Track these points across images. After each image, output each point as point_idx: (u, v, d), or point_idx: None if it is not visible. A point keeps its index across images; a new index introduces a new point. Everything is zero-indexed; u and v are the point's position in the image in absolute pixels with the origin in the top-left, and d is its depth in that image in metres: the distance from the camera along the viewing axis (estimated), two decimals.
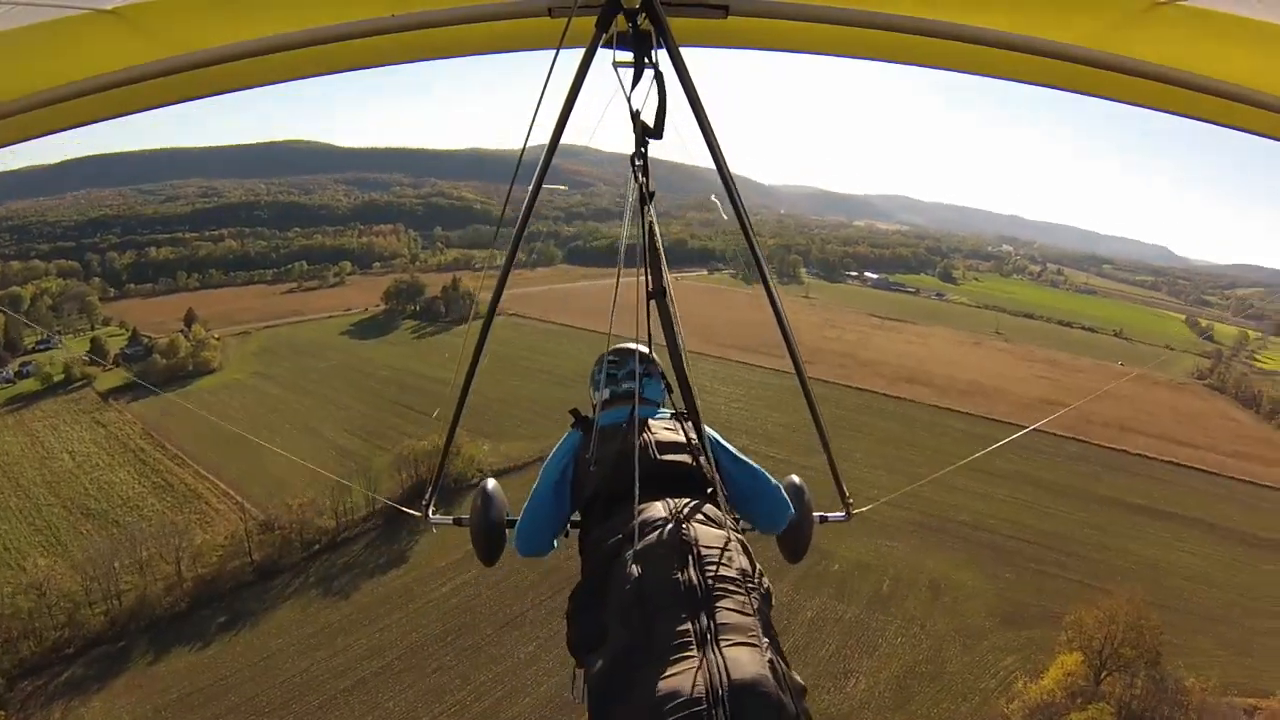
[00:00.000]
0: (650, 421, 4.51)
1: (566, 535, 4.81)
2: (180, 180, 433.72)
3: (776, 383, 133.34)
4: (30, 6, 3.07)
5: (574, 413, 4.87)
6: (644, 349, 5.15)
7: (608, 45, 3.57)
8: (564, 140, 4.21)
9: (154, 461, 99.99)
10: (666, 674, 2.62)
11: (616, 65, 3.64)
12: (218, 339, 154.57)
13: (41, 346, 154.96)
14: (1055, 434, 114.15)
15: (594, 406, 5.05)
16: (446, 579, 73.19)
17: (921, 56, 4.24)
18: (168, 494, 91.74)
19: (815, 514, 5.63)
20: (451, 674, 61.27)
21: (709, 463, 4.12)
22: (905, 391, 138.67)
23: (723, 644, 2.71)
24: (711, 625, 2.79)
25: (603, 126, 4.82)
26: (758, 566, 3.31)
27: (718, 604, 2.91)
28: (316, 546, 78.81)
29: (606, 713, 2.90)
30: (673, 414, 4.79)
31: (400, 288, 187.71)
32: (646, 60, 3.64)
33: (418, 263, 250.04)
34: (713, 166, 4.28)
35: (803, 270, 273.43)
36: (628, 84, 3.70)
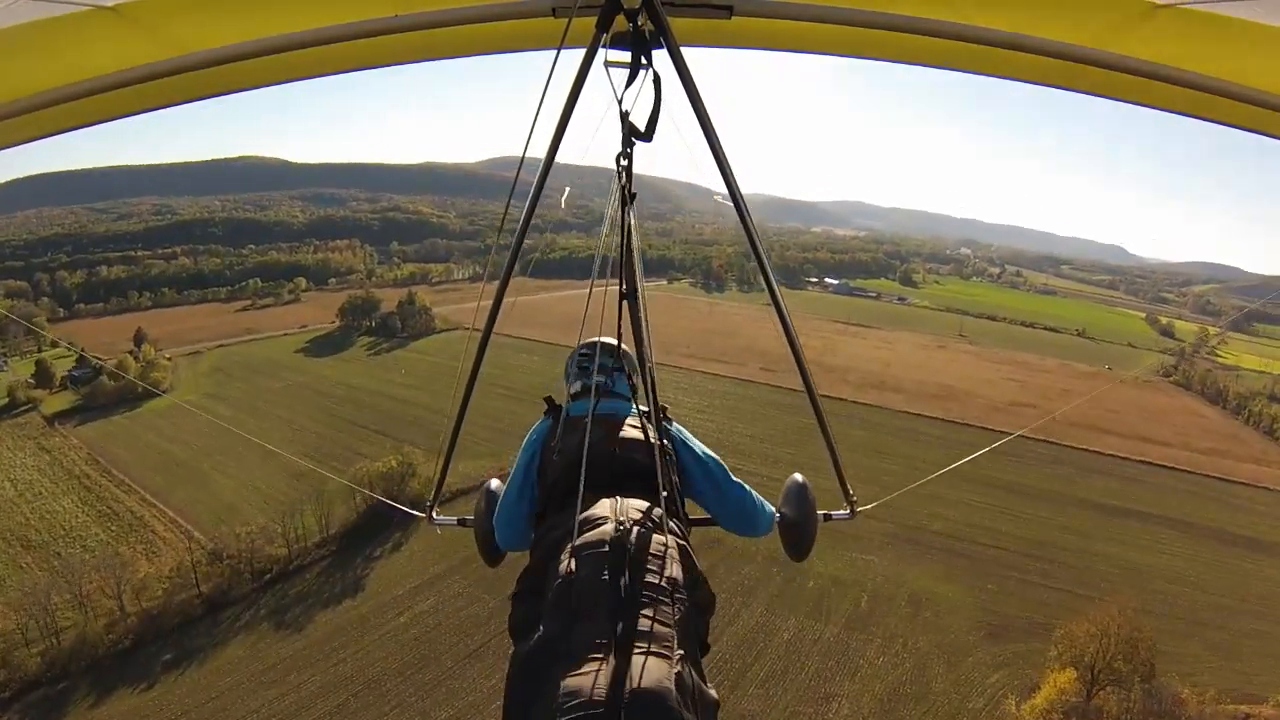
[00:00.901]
0: (622, 417, 4.47)
1: None
2: (134, 198, 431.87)
3: (739, 392, 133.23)
4: (31, 3, 3.04)
5: (548, 400, 4.84)
6: (615, 342, 5.01)
7: (609, 46, 3.58)
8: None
9: (99, 489, 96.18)
10: (573, 673, 2.67)
11: (608, 65, 3.64)
12: (169, 359, 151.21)
13: None
14: (1026, 437, 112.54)
15: (568, 397, 4.95)
16: (404, 608, 69.58)
17: (923, 56, 4.26)
18: (113, 523, 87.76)
19: (820, 512, 5.46)
20: (411, 711, 57.55)
21: (661, 463, 4.01)
22: (875, 398, 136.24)
23: (635, 651, 2.74)
24: (628, 631, 2.82)
25: (593, 131, 4.40)
26: (700, 575, 3.38)
27: (640, 611, 2.93)
28: (268, 576, 74.65)
29: (515, 701, 2.94)
30: (645, 411, 4.64)
31: (356, 303, 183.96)
32: (644, 61, 3.60)
33: (374, 278, 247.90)
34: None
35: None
36: (620, 85, 3.68)
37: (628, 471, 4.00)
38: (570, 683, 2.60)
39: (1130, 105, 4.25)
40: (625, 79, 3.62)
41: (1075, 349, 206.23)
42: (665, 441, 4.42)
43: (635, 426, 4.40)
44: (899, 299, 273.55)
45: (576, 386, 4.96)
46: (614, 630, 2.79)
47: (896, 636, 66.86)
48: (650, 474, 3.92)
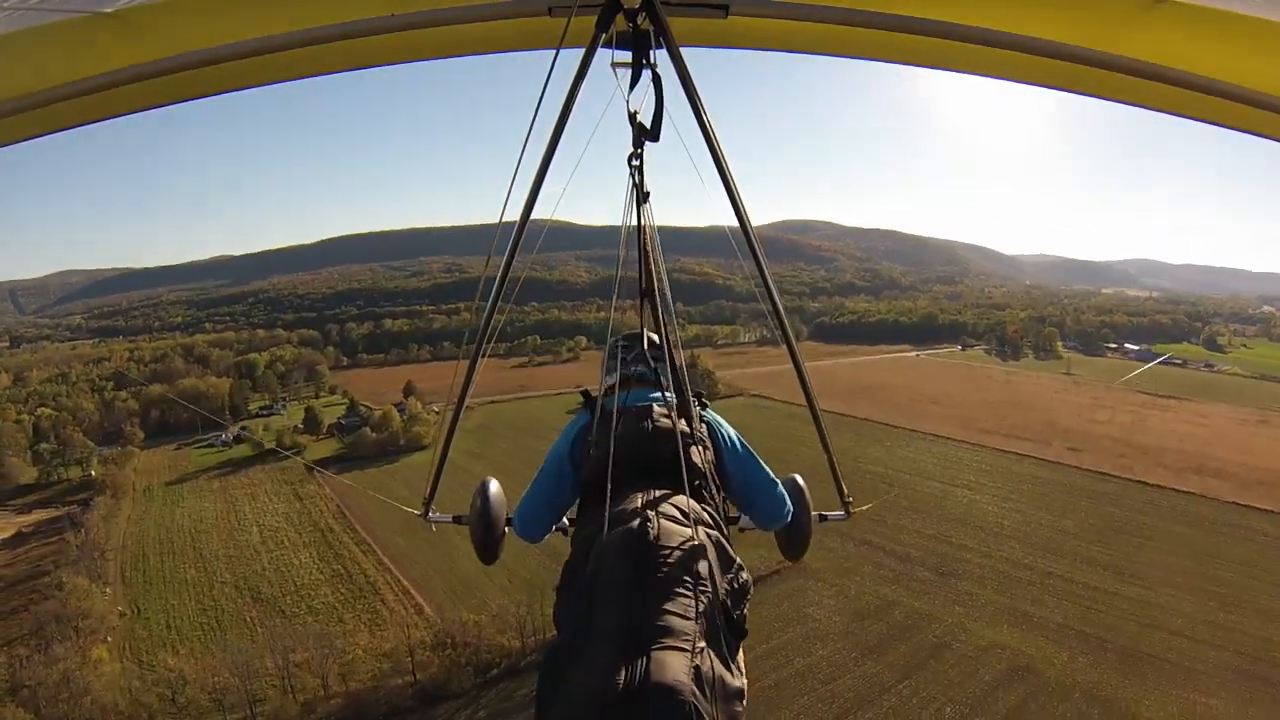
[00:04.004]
0: (655, 408, 4.50)
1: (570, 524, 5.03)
2: (428, 257, 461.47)
3: (1044, 475, 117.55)
4: (32, 11, 3.26)
5: (584, 394, 5.03)
6: (654, 335, 5.30)
7: (608, 45, 3.78)
8: (565, 146, 4.21)
9: (339, 545, 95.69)
10: (590, 668, 2.72)
11: (615, 66, 3.90)
12: (436, 411, 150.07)
13: (264, 412, 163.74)
14: None
15: (605, 389, 5.02)
16: None
17: (921, 57, 4.39)
18: (344, 585, 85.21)
19: (815, 513, 5.55)
20: None
21: (702, 454, 4.20)
22: (1195, 485, 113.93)
23: (653, 646, 2.74)
24: (646, 625, 2.84)
25: (603, 129, 4.82)
26: (736, 561, 3.44)
27: (660, 604, 2.93)
28: (494, 672, 65.65)
29: (541, 699, 2.96)
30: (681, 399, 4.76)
31: None
32: (645, 61, 3.86)
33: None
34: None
35: (1059, 344, 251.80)
36: (625, 85, 3.95)
37: (663, 462, 3.98)
38: (589, 677, 2.66)
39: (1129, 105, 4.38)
40: (628, 80, 3.89)
41: None
42: (702, 429, 4.51)
43: (670, 418, 4.37)
44: (1205, 365, 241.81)
45: (614, 378, 5.05)
46: (634, 624, 2.82)
47: None
48: (684, 468, 3.97)
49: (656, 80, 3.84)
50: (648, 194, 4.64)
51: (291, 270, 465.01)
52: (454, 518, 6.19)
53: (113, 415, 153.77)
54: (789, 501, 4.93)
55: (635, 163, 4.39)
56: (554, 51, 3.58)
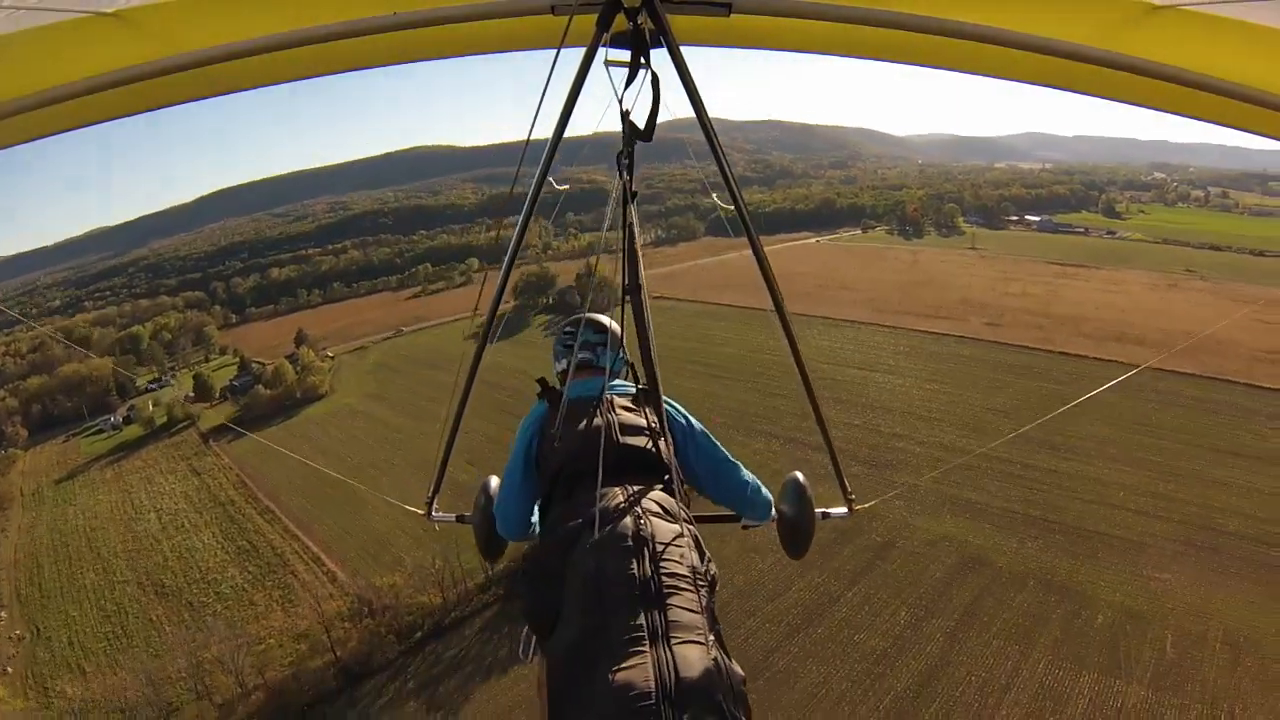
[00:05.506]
0: (615, 399, 4.53)
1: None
2: (310, 199, 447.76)
3: (966, 353, 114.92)
4: (31, 10, 3.25)
5: (541, 382, 4.85)
6: (603, 318, 5.20)
7: (607, 45, 3.74)
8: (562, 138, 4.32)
9: (242, 519, 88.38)
10: (619, 669, 2.77)
11: (609, 64, 3.79)
12: (331, 357, 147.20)
13: (153, 386, 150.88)
14: None
15: (558, 377, 5.06)
16: None
17: (922, 56, 4.38)
18: (251, 561, 78.32)
19: (817, 510, 5.51)
20: None
21: (669, 450, 4.18)
22: (1117, 353, 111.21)
23: (673, 641, 2.88)
24: (663, 622, 2.96)
25: (593, 130, 4.85)
26: (707, 555, 3.52)
27: (669, 600, 3.06)
28: (418, 635, 60.06)
29: (562, 703, 3.05)
30: (637, 390, 4.74)
31: (530, 281, 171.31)
32: (643, 60, 3.77)
33: (550, 251, 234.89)
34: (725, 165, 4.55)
35: (961, 220, 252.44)
36: (620, 83, 3.86)
37: (632, 459, 4.02)
38: (621, 677, 2.70)
39: (1129, 106, 4.36)
40: (625, 78, 3.75)
41: None
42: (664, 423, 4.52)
43: (632, 410, 4.37)
44: (1107, 233, 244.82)
45: (562, 364, 5.01)
46: (650, 622, 2.92)
47: (1221, 698, 47.57)
48: (651, 462, 4.04)
49: (655, 80, 3.70)
50: (635, 193, 4.41)
51: (171, 233, 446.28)
52: (457, 517, 6.16)
53: None
54: (760, 489, 4.89)
55: (625, 160, 4.24)
56: (554, 51, 3.60)
